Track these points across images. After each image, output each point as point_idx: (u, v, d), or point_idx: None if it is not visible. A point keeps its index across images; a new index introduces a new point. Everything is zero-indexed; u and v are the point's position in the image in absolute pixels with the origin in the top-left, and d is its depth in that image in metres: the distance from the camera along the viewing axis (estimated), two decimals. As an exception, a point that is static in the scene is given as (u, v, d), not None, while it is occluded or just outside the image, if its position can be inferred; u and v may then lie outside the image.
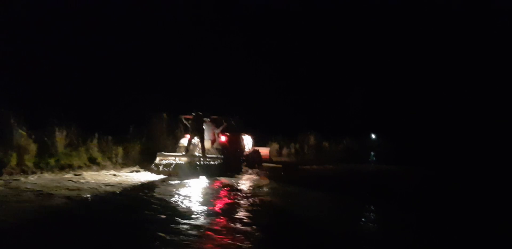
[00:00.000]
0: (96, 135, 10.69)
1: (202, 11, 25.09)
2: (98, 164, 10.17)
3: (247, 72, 23.98)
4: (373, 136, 40.43)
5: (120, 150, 10.87)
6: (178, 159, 9.93)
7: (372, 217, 6.32)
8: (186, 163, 9.83)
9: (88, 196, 6.52)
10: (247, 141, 12.75)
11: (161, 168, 9.79)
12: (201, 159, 10.01)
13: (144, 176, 9.41)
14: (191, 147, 10.57)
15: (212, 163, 9.96)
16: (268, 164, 13.73)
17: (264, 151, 13.86)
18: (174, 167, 9.71)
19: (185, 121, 10.91)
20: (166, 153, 10.27)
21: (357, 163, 18.21)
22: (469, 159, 19.20)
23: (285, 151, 18.56)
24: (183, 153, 10.28)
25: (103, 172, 9.46)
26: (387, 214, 6.37)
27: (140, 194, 7.08)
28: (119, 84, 14.89)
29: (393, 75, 41.45)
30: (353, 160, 19.13)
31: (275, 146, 17.60)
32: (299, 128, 23.02)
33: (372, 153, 29.38)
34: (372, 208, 6.84)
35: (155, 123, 12.71)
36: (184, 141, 10.81)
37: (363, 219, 5.99)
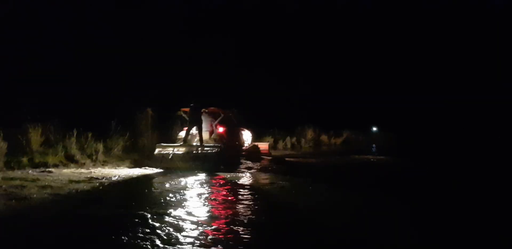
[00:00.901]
0: (75, 132, 10.18)
1: (195, 3, 24.58)
2: (76, 162, 9.69)
3: (241, 66, 23.51)
4: (374, 128, 40.01)
5: (100, 147, 10.37)
6: (176, 149, 10.09)
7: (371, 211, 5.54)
8: (184, 153, 9.95)
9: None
10: (247, 136, 12.73)
11: (160, 158, 9.94)
12: (199, 148, 10.07)
13: (127, 172, 8.98)
14: (189, 137, 10.71)
15: (209, 151, 9.94)
16: (266, 158, 13.50)
17: (263, 146, 13.96)
18: (172, 157, 9.85)
19: (183, 114, 10.99)
20: (165, 144, 10.51)
21: (357, 155, 17.69)
22: (472, 152, 18.63)
23: (280, 144, 18.03)
24: (181, 143, 10.43)
25: (75, 169, 8.97)
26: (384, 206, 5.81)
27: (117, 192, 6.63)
28: (101, 79, 14.41)
29: (396, 66, 40.84)
30: (353, 152, 18.68)
31: (270, 140, 17.04)
32: (296, 121, 22.56)
33: (374, 145, 28.93)
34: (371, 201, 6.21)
35: (139, 119, 12.23)
36: (183, 133, 10.93)
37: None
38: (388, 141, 30.04)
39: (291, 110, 24.95)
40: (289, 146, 18.58)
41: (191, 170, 9.38)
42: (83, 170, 9.00)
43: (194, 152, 9.99)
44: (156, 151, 10.16)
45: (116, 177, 8.13)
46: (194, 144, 10.58)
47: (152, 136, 12.18)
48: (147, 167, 10.11)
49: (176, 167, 9.60)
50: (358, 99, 37.22)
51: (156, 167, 9.94)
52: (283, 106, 24.95)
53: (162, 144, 10.53)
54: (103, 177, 7.96)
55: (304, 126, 21.20)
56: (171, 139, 12.32)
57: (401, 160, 15.11)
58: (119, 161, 10.72)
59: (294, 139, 19.25)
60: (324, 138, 22.50)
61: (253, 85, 24.29)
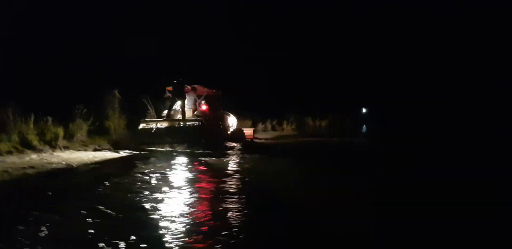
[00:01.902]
0: (32, 116, 9.73)
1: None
2: (33, 148, 9.26)
3: (220, 45, 22.79)
4: (364, 110, 39.65)
5: (60, 132, 9.95)
6: (159, 124, 10.46)
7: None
8: (166, 127, 10.33)
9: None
10: (232, 121, 12.88)
11: (144, 134, 10.34)
12: (181, 122, 10.40)
13: (86, 157, 8.63)
14: (173, 112, 11.02)
15: (191, 125, 10.25)
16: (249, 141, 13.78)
17: (248, 131, 14.31)
18: (155, 131, 10.20)
19: (168, 94, 11.21)
20: (148, 119, 10.99)
21: (343, 137, 17.43)
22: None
23: (260, 127, 17.66)
24: (164, 119, 10.80)
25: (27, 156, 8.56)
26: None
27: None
28: (62, 58, 13.74)
29: (384, 47, 40.02)
30: (338, 134, 18.41)
31: (248, 122, 16.69)
32: (281, 104, 22.13)
33: (363, 127, 28.66)
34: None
35: (106, 102, 11.78)
36: (166, 111, 11.26)
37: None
38: (375, 123, 29.72)
39: (275, 93, 24.46)
40: (269, 128, 18.27)
41: (166, 153, 9.51)
42: (34, 156, 8.62)
43: (176, 125, 10.31)
44: (140, 126, 10.50)
45: (70, 164, 7.77)
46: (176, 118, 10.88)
47: (120, 120, 11.76)
48: (117, 150, 9.97)
49: (149, 148, 9.97)
50: (348, 80, 36.56)
51: (127, 150, 9.90)
52: (267, 89, 24.43)
53: (146, 119, 10.96)
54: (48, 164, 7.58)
55: (287, 108, 20.79)
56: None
57: (368, 142, 15.20)
58: (82, 146, 10.37)
59: (275, 121, 18.90)
60: (308, 119, 22.14)
61: (238, 67, 23.68)
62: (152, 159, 8.61)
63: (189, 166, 8.00)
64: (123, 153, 9.69)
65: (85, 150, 9.94)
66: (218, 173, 6.94)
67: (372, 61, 38.88)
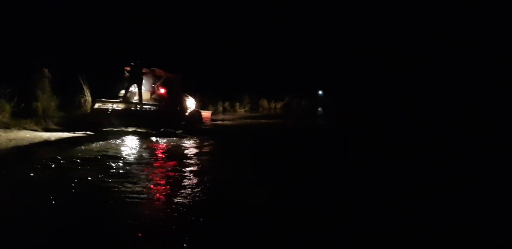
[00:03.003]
0: None
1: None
2: None
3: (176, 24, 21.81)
4: (320, 92, 40.00)
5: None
6: (115, 105, 10.04)
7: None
8: (122, 109, 9.96)
9: None
10: (191, 103, 12.75)
11: (99, 113, 9.90)
12: (138, 105, 10.09)
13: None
14: (129, 94, 10.68)
15: (148, 109, 10.02)
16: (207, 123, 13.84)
17: (206, 114, 14.30)
18: (111, 112, 9.80)
19: (127, 74, 10.75)
20: (105, 99, 10.33)
21: (298, 119, 17.27)
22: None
23: (211, 109, 17.11)
24: (121, 100, 10.42)
25: None
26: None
27: None
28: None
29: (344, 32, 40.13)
30: (294, 117, 18.25)
31: (197, 103, 16.03)
32: (237, 86, 21.62)
33: (320, 109, 28.81)
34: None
35: (34, 81, 10.77)
36: (123, 92, 10.92)
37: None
38: (335, 105, 29.97)
39: (232, 74, 23.88)
40: (220, 110, 17.74)
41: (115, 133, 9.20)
42: None
43: (132, 108, 10.01)
44: (96, 105, 10.09)
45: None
46: (134, 101, 10.54)
47: (51, 100, 10.83)
48: (73, 132, 9.44)
49: (101, 129, 9.62)
50: (305, 63, 36.49)
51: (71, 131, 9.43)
52: (224, 70, 23.79)
53: (102, 99, 10.28)
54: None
55: (241, 90, 20.29)
56: (75, 104, 11.46)
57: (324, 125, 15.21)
58: (4, 128, 9.43)
59: (227, 103, 18.38)
60: (263, 102, 21.81)
61: (191, 49, 22.80)
62: (87, 142, 7.90)
63: (135, 148, 7.49)
64: (56, 134, 8.96)
65: (7, 132, 9.03)
66: (168, 156, 6.79)
67: (330, 45, 38.99)
